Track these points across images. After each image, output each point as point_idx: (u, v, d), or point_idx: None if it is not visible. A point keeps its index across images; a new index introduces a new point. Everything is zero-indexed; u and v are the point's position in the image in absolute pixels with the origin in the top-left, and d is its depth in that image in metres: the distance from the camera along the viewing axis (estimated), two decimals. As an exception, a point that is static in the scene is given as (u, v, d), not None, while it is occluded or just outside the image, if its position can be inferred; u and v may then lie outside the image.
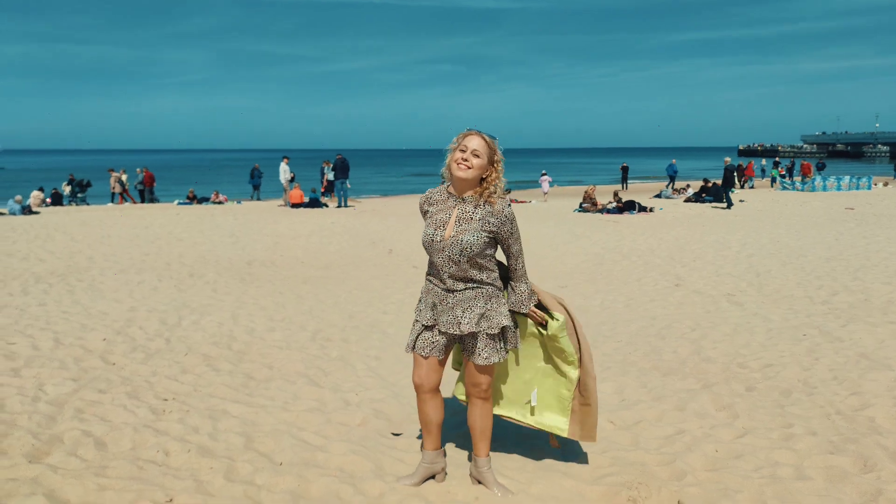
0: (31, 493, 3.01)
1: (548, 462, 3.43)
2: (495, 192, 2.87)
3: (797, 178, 30.17)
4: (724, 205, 19.76)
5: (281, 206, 21.67)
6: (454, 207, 2.88)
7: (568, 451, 3.55)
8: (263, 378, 4.73)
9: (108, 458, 3.42)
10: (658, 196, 24.73)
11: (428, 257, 2.99)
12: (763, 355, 5.26)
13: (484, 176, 2.86)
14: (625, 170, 34.48)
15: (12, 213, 17.80)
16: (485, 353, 2.95)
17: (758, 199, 22.82)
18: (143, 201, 25.50)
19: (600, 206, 18.97)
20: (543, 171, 29.08)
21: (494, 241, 2.93)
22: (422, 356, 3.01)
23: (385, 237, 13.01)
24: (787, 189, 28.06)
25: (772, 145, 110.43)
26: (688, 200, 22.35)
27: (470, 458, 3.29)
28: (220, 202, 24.00)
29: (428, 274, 3.03)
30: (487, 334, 2.93)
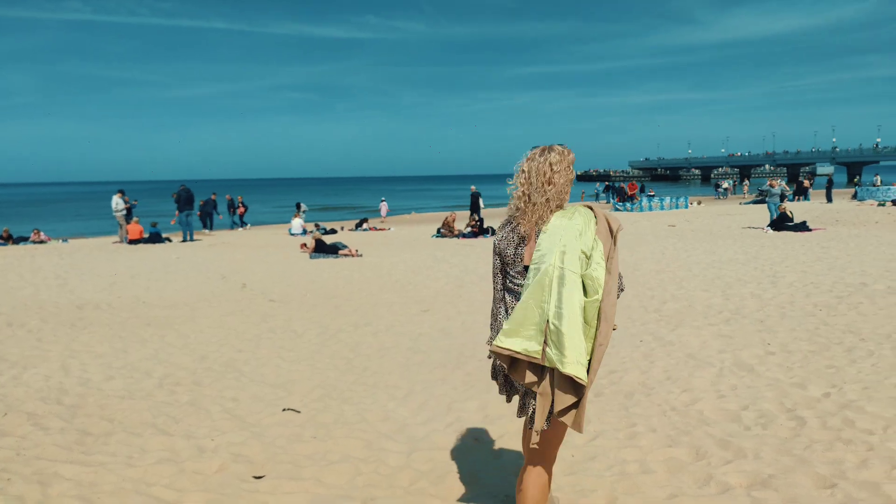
0: None
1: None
2: None
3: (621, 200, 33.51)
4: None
5: (116, 242, 19.99)
6: None
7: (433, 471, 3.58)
8: (102, 433, 4.29)
9: None
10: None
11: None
12: (607, 362, 5.66)
13: None
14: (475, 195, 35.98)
15: None
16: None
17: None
18: None
19: (457, 232, 19.57)
20: (383, 199, 34.17)
21: None
22: None
23: (237, 270, 12.42)
24: (619, 210, 30.72)
25: (605, 170, 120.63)
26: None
27: None
28: (41, 241, 21.63)
29: None
30: None
